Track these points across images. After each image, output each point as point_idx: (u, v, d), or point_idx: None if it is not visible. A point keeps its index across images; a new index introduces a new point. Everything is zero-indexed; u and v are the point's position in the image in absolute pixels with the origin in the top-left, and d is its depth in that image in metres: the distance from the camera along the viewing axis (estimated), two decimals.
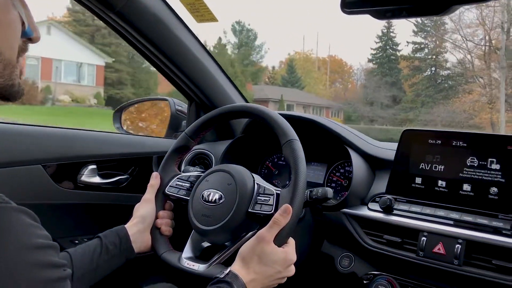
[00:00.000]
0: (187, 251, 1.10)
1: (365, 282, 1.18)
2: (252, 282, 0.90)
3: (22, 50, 0.64)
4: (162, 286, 1.19)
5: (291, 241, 0.98)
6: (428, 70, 31.37)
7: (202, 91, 1.54)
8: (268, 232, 0.92)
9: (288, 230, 0.94)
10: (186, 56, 1.45)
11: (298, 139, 1.02)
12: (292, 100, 31.01)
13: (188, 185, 1.16)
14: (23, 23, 0.62)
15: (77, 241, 1.35)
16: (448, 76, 29.60)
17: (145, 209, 1.12)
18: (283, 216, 0.93)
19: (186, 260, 1.06)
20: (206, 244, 1.12)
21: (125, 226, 1.09)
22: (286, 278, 0.96)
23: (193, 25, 1.40)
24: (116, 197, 1.46)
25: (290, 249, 0.96)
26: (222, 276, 0.88)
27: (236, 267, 0.91)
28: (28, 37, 0.65)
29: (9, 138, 1.25)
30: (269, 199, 1.01)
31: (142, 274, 1.53)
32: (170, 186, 1.17)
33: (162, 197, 1.17)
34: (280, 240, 0.94)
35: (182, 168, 1.46)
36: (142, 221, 1.10)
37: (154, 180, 1.16)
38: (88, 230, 1.36)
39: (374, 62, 36.19)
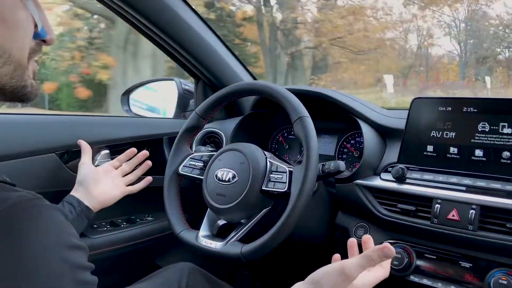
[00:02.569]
0: (203, 230, 1.12)
1: None
2: None
3: (34, 51, 0.63)
4: (180, 265, 1.22)
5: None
6: None
7: (208, 69, 1.54)
8: (356, 270, 0.77)
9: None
10: (189, 34, 1.44)
11: (309, 115, 1.02)
12: None
13: (201, 164, 1.17)
14: (36, 25, 0.62)
15: (95, 225, 1.38)
16: None
17: (81, 173, 1.21)
18: (379, 256, 0.76)
19: (204, 238, 1.08)
20: (222, 222, 1.13)
21: (71, 193, 1.18)
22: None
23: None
24: None
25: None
26: None
27: None
28: (42, 39, 0.64)
29: (21, 128, 1.26)
30: (282, 177, 1.02)
31: (159, 253, 1.56)
32: (183, 166, 1.19)
33: (176, 178, 1.19)
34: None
35: (194, 148, 1.47)
36: (81, 185, 1.20)
37: (83, 143, 1.27)
38: (105, 213, 1.37)
39: None
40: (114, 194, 1.24)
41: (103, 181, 1.23)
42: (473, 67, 14.26)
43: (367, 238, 0.92)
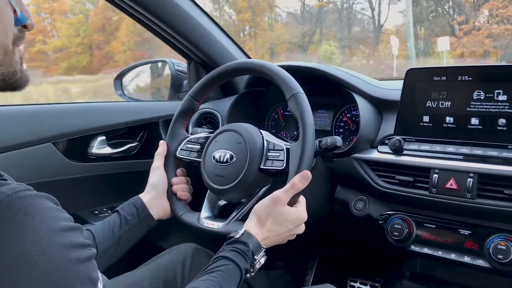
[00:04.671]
0: (205, 211, 1.13)
1: (380, 222, 1.21)
2: (265, 240, 0.92)
3: (18, 38, 0.63)
4: (183, 246, 1.23)
5: (302, 200, 0.99)
6: None
7: (199, 49, 1.52)
8: (284, 195, 0.93)
9: (301, 191, 0.96)
10: (178, 13, 1.42)
11: (303, 92, 1.01)
12: None
13: (198, 147, 1.17)
14: (15, 11, 0.61)
15: (96, 211, 1.39)
16: None
17: (155, 177, 1.14)
18: (302, 182, 0.93)
19: (205, 219, 1.08)
20: (222, 202, 1.14)
21: (140, 196, 1.11)
22: (295, 235, 0.98)
23: None
24: (128, 164, 1.48)
25: (302, 208, 0.97)
26: (237, 236, 0.90)
27: (250, 226, 0.93)
28: (23, 24, 0.64)
29: (15, 119, 1.25)
30: (280, 155, 1.02)
31: (162, 236, 1.58)
32: (180, 149, 1.19)
33: (174, 162, 1.18)
34: (293, 201, 0.96)
35: (190, 130, 1.47)
36: (154, 189, 1.12)
37: (160, 147, 1.18)
38: (106, 199, 1.39)
39: None
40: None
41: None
42: None
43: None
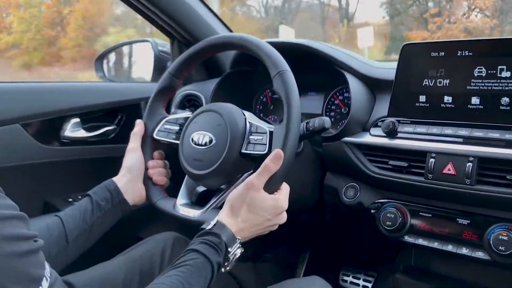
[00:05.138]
0: (181, 198, 1.06)
1: (372, 211, 1.13)
2: (240, 232, 0.85)
3: None
4: (163, 235, 1.17)
5: (284, 187, 0.92)
6: None
7: (181, 26, 1.44)
8: (257, 179, 0.86)
9: (281, 176, 0.88)
10: None
11: (289, 70, 0.94)
12: None
13: (177, 128, 1.10)
14: None
15: (70, 199, 1.32)
16: None
17: (130, 158, 1.06)
18: (274, 162, 0.86)
19: (181, 206, 1.02)
20: (201, 188, 1.08)
21: (113, 179, 1.04)
22: (277, 226, 0.91)
23: None
24: (105, 149, 1.41)
25: (281, 196, 0.90)
26: (209, 227, 0.83)
27: (223, 216, 0.86)
28: None
29: None
30: (262, 138, 0.95)
31: (142, 226, 1.51)
32: (158, 130, 1.12)
33: (151, 144, 1.11)
34: (271, 187, 0.89)
35: (172, 111, 1.39)
36: (129, 171, 1.05)
37: (137, 127, 1.10)
38: (80, 186, 1.31)
39: None
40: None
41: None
42: None
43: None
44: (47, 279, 0.55)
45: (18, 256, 0.51)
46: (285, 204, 0.90)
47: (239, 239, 0.84)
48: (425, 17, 11.67)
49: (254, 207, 0.86)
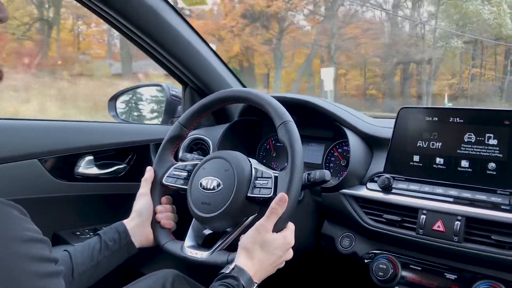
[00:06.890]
0: (189, 240, 1.10)
1: (366, 261, 1.18)
2: (257, 273, 0.91)
3: None
4: (163, 272, 1.19)
5: (290, 225, 0.98)
6: None
7: (195, 75, 1.52)
8: (266, 222, 0.93)
9: (286, 216, 0.94)
10: (175, 39, 1.43)
11: (293, 120, 1.01)
12: None
13: (186, 174, 1.15)
14: None
15: (78, 233, 1.36)
16: None
17: (140, 203, 1.11)
18: (280, 205, 0.93)
19: (189, 248, 1.05)
20: (207, 231, 1.11)
21: (123, 221, 1.08)
22: (284, 263, 0.97)
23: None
24: (115, 186, 1.46)
25: (288, 233, 0.96)
26: (228, 271, 0.88)
27: (241, 260, 0.91)
28: None
29: (3, 133, 1.24)
30: (267, 183, 1.01)
31: (144, 262, 1.54)
32: (167, 176, 1.16)
33: (160, 189, 1.16)
34: (278, 227, 0.94)
35: (180, 154, 1.45)
36: (139, 215, 1.10)
37: (147, 173, 1.15)
38: (88, 221, 1.36)
39: None
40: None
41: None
42: None
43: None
44: None
45: (40, 275, 0.55)
46: (292, 240, 0.96)
47: (256, 283, 0.89)
48: None
49: (267, 247, 0.92)
